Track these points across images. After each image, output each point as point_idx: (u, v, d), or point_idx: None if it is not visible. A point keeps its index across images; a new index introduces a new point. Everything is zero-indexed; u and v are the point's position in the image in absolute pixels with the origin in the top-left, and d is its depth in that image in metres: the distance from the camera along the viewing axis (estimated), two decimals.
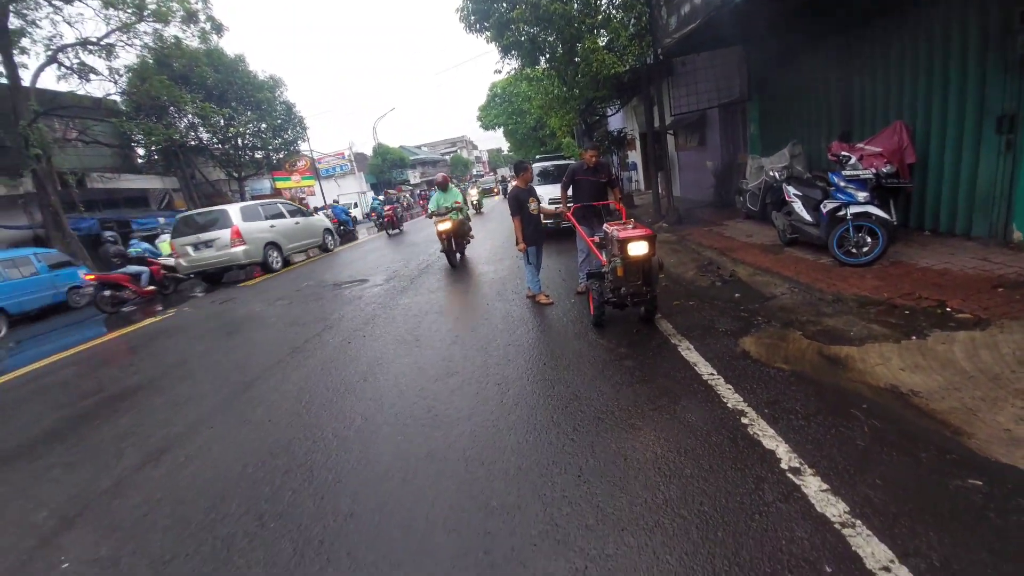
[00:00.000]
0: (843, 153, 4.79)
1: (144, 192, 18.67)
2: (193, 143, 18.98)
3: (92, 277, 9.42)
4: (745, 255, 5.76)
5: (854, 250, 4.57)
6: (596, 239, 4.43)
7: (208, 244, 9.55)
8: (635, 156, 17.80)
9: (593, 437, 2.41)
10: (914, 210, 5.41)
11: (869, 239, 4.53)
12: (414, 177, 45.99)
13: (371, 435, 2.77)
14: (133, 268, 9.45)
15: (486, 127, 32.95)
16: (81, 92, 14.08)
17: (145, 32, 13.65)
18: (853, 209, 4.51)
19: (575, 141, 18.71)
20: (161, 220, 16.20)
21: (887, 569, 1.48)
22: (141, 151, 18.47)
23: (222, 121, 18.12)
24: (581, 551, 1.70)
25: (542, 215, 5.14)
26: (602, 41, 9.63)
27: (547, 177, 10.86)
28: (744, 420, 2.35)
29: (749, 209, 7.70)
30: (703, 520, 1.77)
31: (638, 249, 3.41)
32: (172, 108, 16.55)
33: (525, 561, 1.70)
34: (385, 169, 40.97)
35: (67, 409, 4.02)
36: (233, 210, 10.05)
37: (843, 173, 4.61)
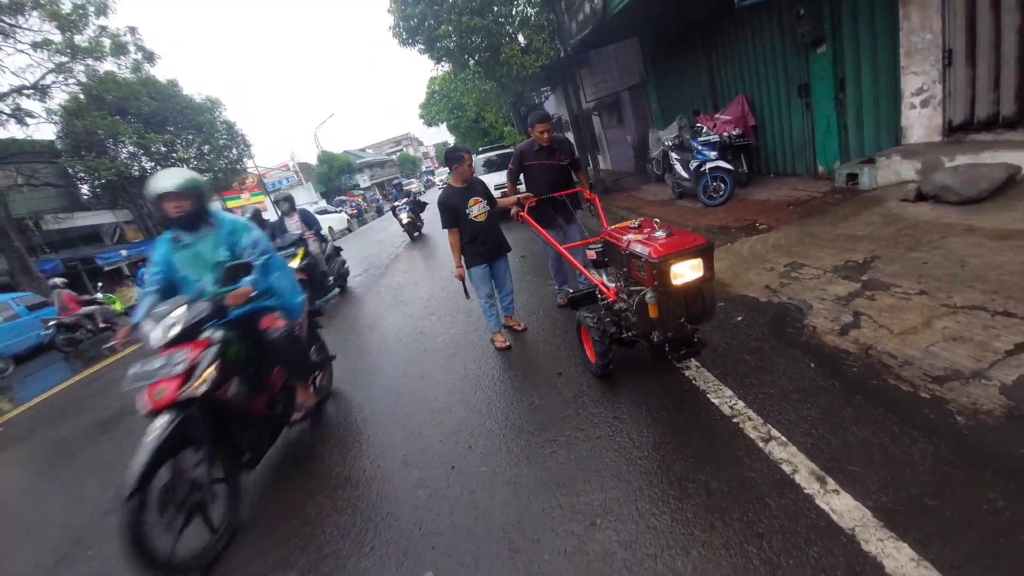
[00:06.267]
0: (698, 124, 6.46)
1: (96, 228, 18.72)
2: (137, 174, 19.12)
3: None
4: (648, 209, 7.40)
5: (713, 195, 6.25)
6: (591, 252, 2.87)
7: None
8: (571, 137, 19.42)
9: (527, 322, 3.90)
10: (761, 160, 7.17)
11: (722, 186, 6.21)
12: (363, 181, 46.16)
13: (388, 348, 4.19)
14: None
15: (429, 123, 33.64)
16: (21, 136, 14.23)
17: (80, 71, 13.92)
18: (709, 165, 6.17)
19: (515, 129, 20.09)
20: (124, 253, 16.50)
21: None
22: (85, 188, 18.49)
23: (163, 148, 18.34)
24: (530, 392, 3.19)
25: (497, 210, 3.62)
26: (522, 40, 11.01)
27: (491, 166, 11.95)
28: None
29: (656, 174, 9.38)
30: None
31: (688, 273, 2.04)
32: (110, 141, 16.71)
33: (488, 390, 3.16)
34: (333, 176, 41.03)
35: None
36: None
37: (699, 139, 6.26)
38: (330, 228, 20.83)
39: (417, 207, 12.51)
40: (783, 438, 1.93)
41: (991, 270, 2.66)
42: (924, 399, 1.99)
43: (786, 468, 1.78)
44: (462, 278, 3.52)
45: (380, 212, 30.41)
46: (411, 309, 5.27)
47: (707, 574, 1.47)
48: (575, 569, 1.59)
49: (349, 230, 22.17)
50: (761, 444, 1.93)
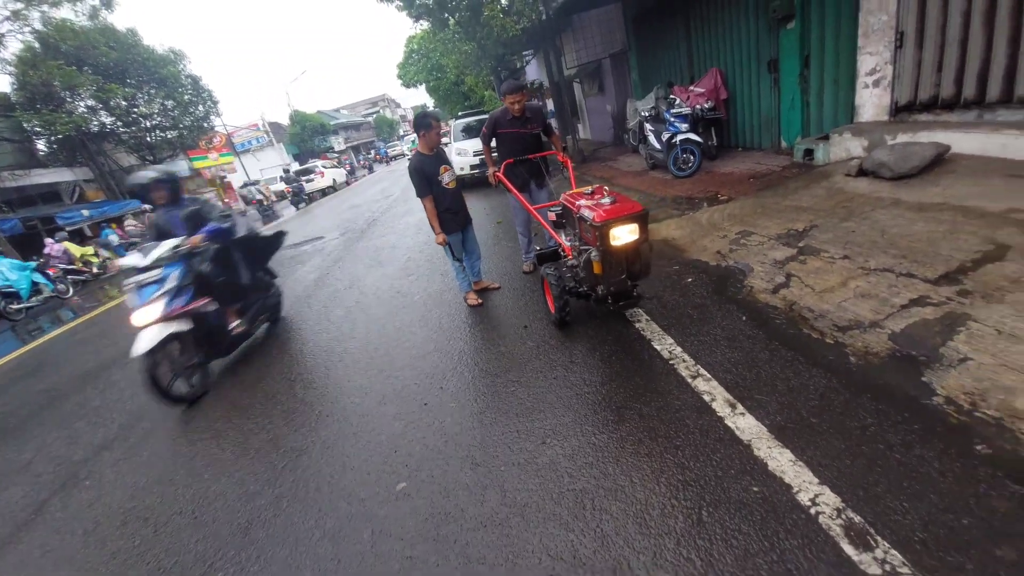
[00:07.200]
0: (671, 96, 6.63)
1: (54, 186, 17.85)
2: (95, 129, 18.16)
3: None
4: (621, 180, 7.63)
5: (683, 167, 6.50)
6: (551, 215, 3.27)
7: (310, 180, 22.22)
8: (551, 104, 19.23)
9: (500, 283, 4.16)
10: (732, 133, 7.43)
11: (691, 158, 6.46)
12: (338, 143, 44.75)
13: (366, 305, 4.40)
14: None
15: (407, 84, 32.42)
16: None
17: (36, 18, 13.03)
18: (680, 137, 6.39)
19: (496, 94, 19.73)
20: (85, 213, 15.89)
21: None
22: (42, 144, 17.53)
23: (123, 102, 17.40)
24: (498, 342, 3.46)
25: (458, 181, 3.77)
26: (504, 1, 10.77)
27: (470, 132, 11.79)
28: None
29: (632, 145, 9.57)
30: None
31: (625, 236, 2.37)
32: (67, 94, 15.78)
33: (459, 340, 3.43)
34: (306, 137, 39.65)
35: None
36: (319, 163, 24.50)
37: (671, 111, 6.46)
38: (333, 179, 23.61)
39: (229, 270, 3.93)
40: (708, 375, 2.27)
41: (904, 238, 3.02)
42: (828, 344, 2.34)
43: (706, 398, 2.12)
44: (446, 243, 3.64)
45: (371, 170, 34.89)
46: (390, 269, 5.46)
47: (632, 475, 1.81)
48: (525, 475, 1.91)
49: (347, 183, 24.42)
50: (689, 380, 2.26)
